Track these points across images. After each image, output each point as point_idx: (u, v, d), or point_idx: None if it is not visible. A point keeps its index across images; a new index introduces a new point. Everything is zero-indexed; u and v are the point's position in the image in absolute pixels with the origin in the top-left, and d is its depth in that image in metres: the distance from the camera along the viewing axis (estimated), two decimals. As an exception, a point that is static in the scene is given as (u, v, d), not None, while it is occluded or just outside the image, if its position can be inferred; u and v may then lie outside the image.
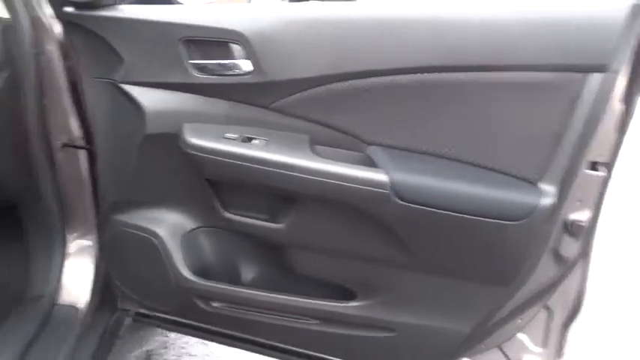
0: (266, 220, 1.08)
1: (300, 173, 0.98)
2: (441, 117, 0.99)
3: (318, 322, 1.13)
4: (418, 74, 0.96)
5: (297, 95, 1.02)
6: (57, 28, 1.16)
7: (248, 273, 1.20)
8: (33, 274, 1.29)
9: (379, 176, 0.95)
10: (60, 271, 1.29)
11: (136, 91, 1.07)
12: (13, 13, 1.09)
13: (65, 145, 1.23)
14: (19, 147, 1.18)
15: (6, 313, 1.22)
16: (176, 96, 1.07)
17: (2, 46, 1.08)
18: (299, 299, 1.11)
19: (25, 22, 1.10)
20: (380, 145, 1.03)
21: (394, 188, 0.95)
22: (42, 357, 1.16)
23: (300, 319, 1.13)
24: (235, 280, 1.19)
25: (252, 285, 1.17)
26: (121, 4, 1.09)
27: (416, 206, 0.95)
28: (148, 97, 1.07)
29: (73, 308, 1.28)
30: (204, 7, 1.07)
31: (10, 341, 1.14)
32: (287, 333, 1.18)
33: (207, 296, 1.18)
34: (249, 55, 1.00)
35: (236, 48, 1.02)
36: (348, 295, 1.12)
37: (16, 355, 1.12)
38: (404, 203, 0.95)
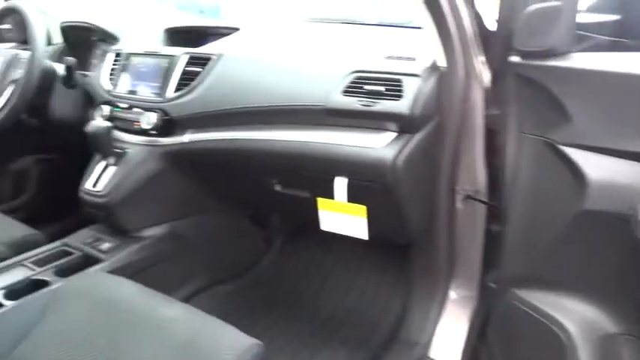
0: None
1: None
2: None
3: None
4: None
5: None
6: (486, 75, 1.11)
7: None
8: (410, 318, 1.28)
9: None
10: (436, 322, 1.25)
11: (579, 156, 0.88)
12: (451, 61, 1.07)
13: (468, 197, 1.17)
14: (428, 189, 1.17)
15: (377, 354, 1.23)
16: (635, 168, 0.83)
17: (437, 94, 1.09)
18: None
19: (460, 70, 1.07)
20: None
21: None
22: None
23: None
24: None
25: None
26: (575, 51, 0.93)
27: None
28: (596, 166, 0.86)
29: (442, 365, 1.21)
30: None
31: None
32: None
33: None
34: None
35: None
36: None
37: None
38: None
